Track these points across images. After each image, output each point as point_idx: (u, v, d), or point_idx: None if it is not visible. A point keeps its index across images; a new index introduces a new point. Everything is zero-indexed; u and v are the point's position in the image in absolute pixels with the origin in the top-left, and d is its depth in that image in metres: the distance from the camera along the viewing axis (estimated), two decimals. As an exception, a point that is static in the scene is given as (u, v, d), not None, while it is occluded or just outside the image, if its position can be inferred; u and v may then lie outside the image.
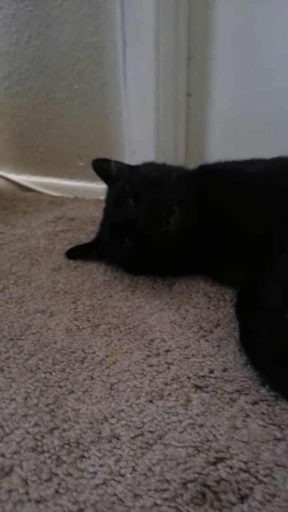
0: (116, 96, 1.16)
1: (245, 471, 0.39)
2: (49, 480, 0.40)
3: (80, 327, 0.63)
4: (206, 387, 0.50)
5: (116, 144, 1.21)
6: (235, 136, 1.20)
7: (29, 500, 0.38)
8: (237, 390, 0.49)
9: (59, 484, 0.39)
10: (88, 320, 0.64)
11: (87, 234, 0.97)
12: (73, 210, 1.14)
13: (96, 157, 0.86)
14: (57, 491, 0.39)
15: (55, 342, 0.59)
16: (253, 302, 0.56)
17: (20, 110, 1.30)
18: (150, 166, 0.82)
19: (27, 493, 0.39)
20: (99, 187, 0.86)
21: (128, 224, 0.70)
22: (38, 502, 0.38)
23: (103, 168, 0.86)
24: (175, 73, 1.14)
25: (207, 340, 0.59)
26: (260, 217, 0.65)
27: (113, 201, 0.77)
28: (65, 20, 1.11)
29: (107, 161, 0.86)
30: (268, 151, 0.74)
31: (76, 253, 0.85)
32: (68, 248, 0.87)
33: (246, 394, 0.49)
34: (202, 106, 1.20)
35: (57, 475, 0.40)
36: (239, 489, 0.38)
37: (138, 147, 1.18)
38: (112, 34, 1.08)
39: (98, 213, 0.89)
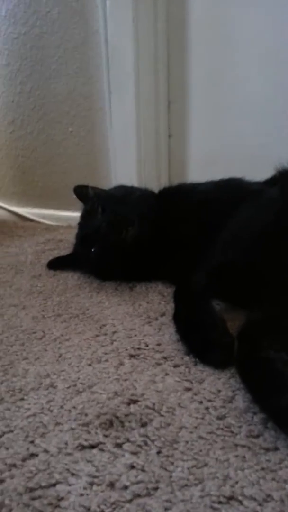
0: (104, 137, 1.32)
1: (150, 408, 0.47)
2: (-9, 414, 0.48)
3: (45, 316, 0.73)
4: (139, 355, 0.59)
5: (104, 179, 1.35)
6: (213, 173, 1.33)
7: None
8: (164, 357, 0.58)
9: (-2, 416, 0.48)
10: (53, 311, 0.74)
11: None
12: (63, 234, 1.27)
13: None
14: (-4, 421, 0.47)
15: (21, 326, 0.69)
16: (184, 289, 0.66)
17: (23, 151, 1.48)
18: (119, 188, 0.95)
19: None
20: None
21: (94, 233, 0.82)
22: (-21, 429, 0.47)
23: (82, 192, 0.99)
24: (155, 117, 1.30)
25: (151, 325, 0.68)
26: (202, 226, 0.75)
27: (85, 216, 0.90)
28: (61, 73, 1.31)
29: (85, 187, 0.99)
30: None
31: (56, 264, 0.96)
32: (50, 261, 0.98)
33: (171, 360, 0.57)
34: (183, 146, 1.34)
35: (-2, 410, 0.49)
36: (141, 419, 0.46)
37: (123, 182, 1.32)
38: (99, 84, 1.27)
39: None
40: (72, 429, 0.45)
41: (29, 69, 1.37)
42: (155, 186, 1.36)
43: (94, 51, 1.26)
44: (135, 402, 0.49)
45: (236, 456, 0.40)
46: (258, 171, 1.25)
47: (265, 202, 0.74)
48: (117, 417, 0.46)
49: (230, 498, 0.36)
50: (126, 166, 1.31)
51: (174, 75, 1.27)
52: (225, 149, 1.26)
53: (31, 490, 0.38)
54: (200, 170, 1.32)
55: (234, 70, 1.17)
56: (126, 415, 0.46)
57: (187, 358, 0.57)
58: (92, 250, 0.83)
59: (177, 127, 1.33)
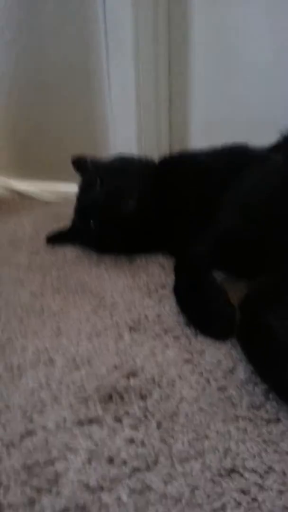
0: (103, 105, 1.28)
1: (150, 381, 0.47)
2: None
3: (44, 291, 0.72)
4: (139, 328, 0.58)
5: (103, 148, 1.31)
6: (215, 139, 1.28)
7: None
8: (164, 329, 0.57)
9: (-4, 393, 0.47)
10: (52, 286, 0.73)
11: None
12: (61, 208, 1.24)
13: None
14: (-6, 398, 0.47)
15: (20, 302, 0.68)
16: (185, 260, 0.64)
17: (19, 122, 1.43)
18: (118, 158, 0.92)
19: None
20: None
21: (92, 206, 0.79)
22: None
23: (80, 164, 0.95)
24: (155, 83, 1.24)
25: (151, 297, 0.66)
26: (204, 196, 0.73)
27: (83, 188, 0.87)
28: (57, 40, 1.24)
29: (83, 158, 0.96)
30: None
31: (55, 239, 0.94)
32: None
33: (171, 332, 0.56)
34: (184, 112, 1.29)
35: (-4, 387, 0.48)
36: (141, 392, 0.45)
37: (122, 151, 1.28)
38: (98, 51, 1.20)
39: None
40: (71, 404, 0.44)
41: (25, 37, 1.30)
42: (155, 153, 1.32)
43: (91, 16, 1.19)
44: (134, 375, 0.48)
45: (237, 428, 0.40)
46: (261, 136, 1.20)
47: (270, 169, 0.71)
48: (116, 391, 0.45)
49: (231, 471, 0.35)
50: (126, 134, 1.27)
51: (175, 39, 1.20)
52: (226, 115, 1.21)
53: (29, 468, 0.37)
54: (202, 136, 1.27)
55: (237, 34, 1.11)
56: (126, 389, 0.46)
57: (187, 330, 0.56)
58: (91, 223, 0.80)
59: (178, 93, 1.27)
